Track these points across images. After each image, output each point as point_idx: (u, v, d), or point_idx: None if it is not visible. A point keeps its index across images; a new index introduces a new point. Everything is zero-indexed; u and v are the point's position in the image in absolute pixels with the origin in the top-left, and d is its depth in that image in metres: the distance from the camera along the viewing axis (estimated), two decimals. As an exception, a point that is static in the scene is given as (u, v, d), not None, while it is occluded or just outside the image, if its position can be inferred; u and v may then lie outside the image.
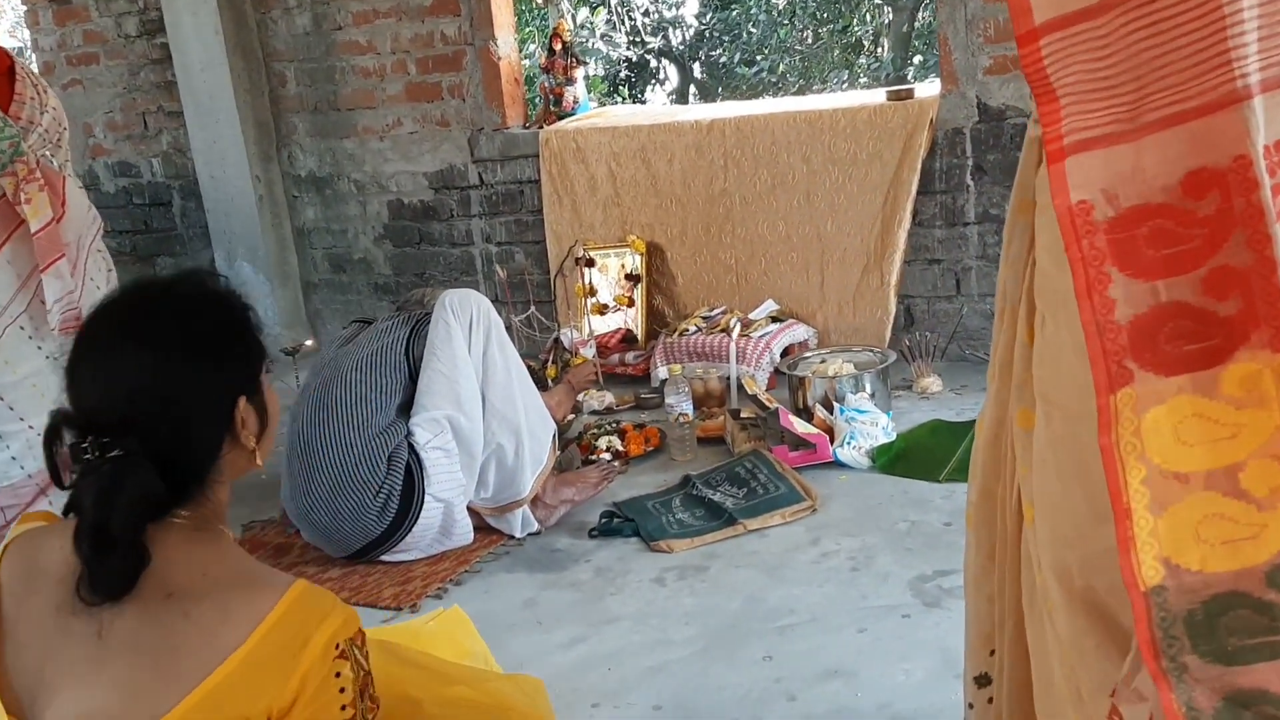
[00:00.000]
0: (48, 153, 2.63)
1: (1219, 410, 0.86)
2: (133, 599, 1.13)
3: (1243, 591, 0.86)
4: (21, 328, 2.61)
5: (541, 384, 3.63)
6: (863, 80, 9.04)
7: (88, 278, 2.69)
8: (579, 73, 4.71)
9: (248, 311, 1.30)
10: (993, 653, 1.31)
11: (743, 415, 3.46)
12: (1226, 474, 0.86)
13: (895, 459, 3.15)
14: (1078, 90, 0.87)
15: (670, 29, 9.95)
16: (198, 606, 1.14)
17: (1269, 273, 0.85)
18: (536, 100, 4.94)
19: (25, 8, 5.78)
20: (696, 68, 10.11)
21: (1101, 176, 0.86)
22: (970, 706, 1.39)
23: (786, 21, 9.52)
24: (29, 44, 6.19)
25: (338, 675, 1.15)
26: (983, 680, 1.35)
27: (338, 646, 1.16)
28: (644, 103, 9.59)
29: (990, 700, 1.34)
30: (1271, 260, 0.85)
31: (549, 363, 4.10)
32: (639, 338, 4.34)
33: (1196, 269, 0.85)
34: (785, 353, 3.90)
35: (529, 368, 3.17)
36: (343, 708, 1.16)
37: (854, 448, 3.18)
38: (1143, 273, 0.86)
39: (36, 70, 5.63)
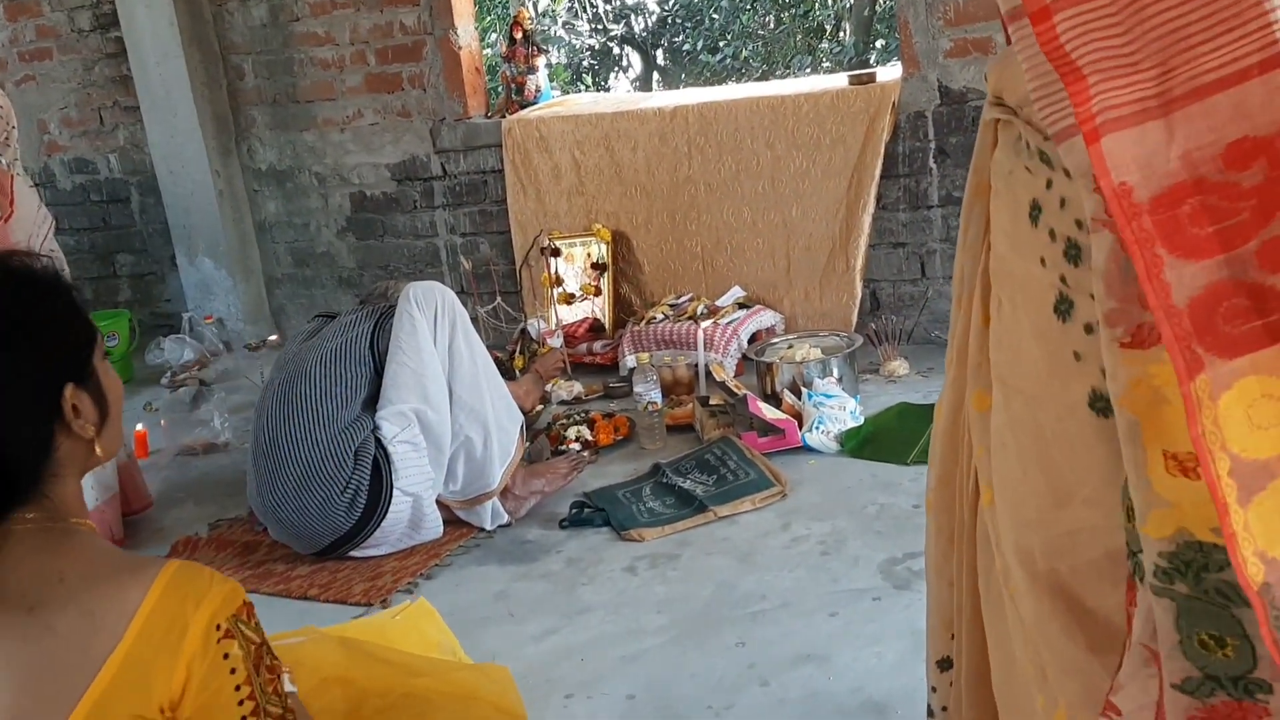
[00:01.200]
0: (-3, 152, 2.60)
1: None
2: None
3: None
4: None
5: (509, 375, 3.62)
6: (825, 65, 9.05)
7: (41, 278, 2.65)
8: (540, 61, 4.69)
9: (70, 292, 1.22)
10: (954, 636, 1.32)
11: (711, 402, 3.47)
12: None
13: (863, 443, 3.16)
14: (1103, 67, 0.83)
15: (633, 16, 9.93)
16: (62, 617, 1.09)
17: None
18: (498, 89, 4.91)
19: (-25, 3, 5.68)
20: (659, 54, 10.09)
21: (1136, 155, 0.82)
22: (933, 689, 1.40)
23: (749, 7, 9.52)
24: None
25: (226, 656, 1.12)
26: (945, 664, 1.36)
27: (220, 627, 1.12)
28: (608, 90, 9.57)
29: (952, 683, 1.34)
30: None
31: (516, 353, 4.09)
32: (606, 326, 4.34)
33: (1246, 244, 0.81)
34: (753, 339, 3.90)
35: (496, 359, 3.16)
36: (237, 688, 1.12)
37: (822, 432, 3.19)
38: (1191, 252, 0.81)
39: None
